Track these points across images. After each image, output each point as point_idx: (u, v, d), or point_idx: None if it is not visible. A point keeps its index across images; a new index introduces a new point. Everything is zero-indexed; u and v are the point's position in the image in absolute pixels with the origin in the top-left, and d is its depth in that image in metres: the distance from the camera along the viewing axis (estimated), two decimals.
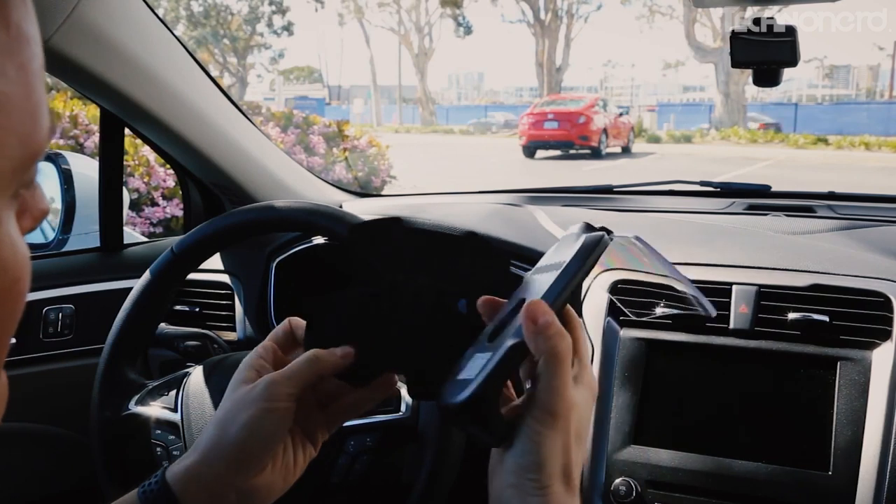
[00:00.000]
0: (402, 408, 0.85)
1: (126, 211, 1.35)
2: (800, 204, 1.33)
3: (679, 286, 0.50)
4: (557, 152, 15.45)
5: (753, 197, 1.40)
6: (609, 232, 0.48)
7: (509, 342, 0.43)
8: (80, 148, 4.27)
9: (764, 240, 1.10)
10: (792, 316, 0.93)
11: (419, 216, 1.23)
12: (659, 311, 0.98)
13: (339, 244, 0.93)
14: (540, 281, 0.47)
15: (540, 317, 0.42)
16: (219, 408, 0.52)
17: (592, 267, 0.47)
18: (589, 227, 0.49)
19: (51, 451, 1.23)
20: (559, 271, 0.46)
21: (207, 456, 0.50)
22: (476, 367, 0.44)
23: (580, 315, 0.48)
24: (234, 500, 0.50)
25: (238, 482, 0.50)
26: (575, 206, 1.39)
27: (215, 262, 1.28)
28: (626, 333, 0.99)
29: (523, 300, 0.45)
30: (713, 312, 0.51)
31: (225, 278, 1.27)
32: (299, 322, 0.57)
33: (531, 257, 1.12)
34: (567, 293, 0.45)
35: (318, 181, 1.47)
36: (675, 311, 0.98)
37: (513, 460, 0.42)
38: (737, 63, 0.94)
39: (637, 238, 0.49)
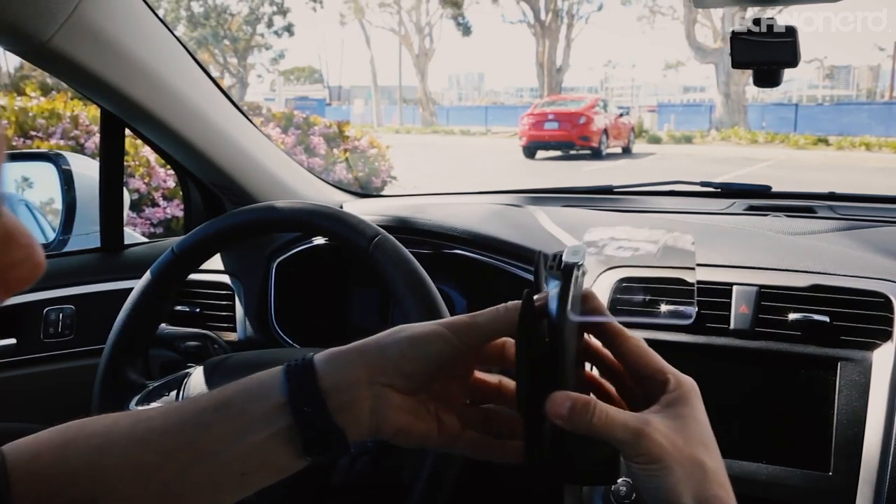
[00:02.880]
0: None
1: (126, 211, 1.35)
2: (800, 204, 1.33)
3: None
4: (558, 153, 15.45)
5: (754, 197, 1.40)
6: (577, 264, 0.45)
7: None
8: (80, 148, 4.28)
9: (764, 240, 1.10)
10: (792, 316, 0.93)
11: (419, 216, 1.23)
12: (663, 308, 0.98)
13: (340, 243, 0.93)
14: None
15: (560, 409, 0.42)
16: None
17: (573, 300, 0.44)
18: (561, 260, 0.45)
19: None
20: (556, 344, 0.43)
21: (363, 349, 0.49)
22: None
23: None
24: (366, 404, 0.47)
25: (376, 388, 0.47)
26: (575, 207, 1.39)
27: (216, 262, 1.28)
28: None
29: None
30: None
31: (225, 279, 1.27)
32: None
33: (531, 258, 1.12)
34: (569, 353, 0.44)
35: (319, 181, 1.47)
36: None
37: (646, 496, 0.43)
38: (737, 64, 0.94)
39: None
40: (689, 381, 0.46)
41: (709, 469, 0.42)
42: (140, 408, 0.50)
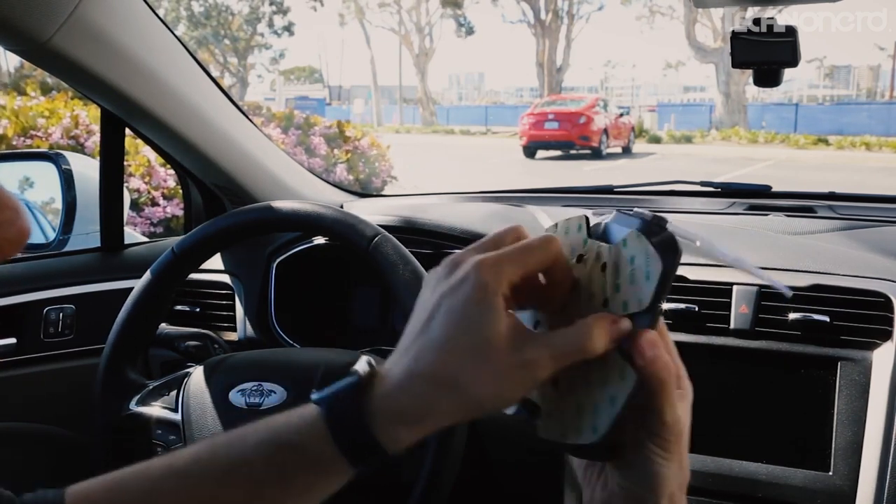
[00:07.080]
0: None
1: (126, 211, 1.35)
2: (800, 204, 1.33)
3: (748, 273, 0.46)
4: (558, 153, 15.45)
5: (754, 197, 1.40)
6: (662, 227, 0.42)
7: (630, 381, 0.40)
8: (80, 148, 4.27)
9: (764, 240, 1.10)
10: (792, 316, 0.93)
11: (419, 216, 1.23)
12: (665, 306, 0.98)
13: (341, 244, 0.93)
14: (626, 290, 0.41)
15: (649, 350, 0.40)
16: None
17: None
18: (644, 221, 0.42)
19: (51, 451, 1.23)
20: (647, 281, 0.40)
21: (438, 391, 0.40)
22: (590, 399, 0.41)
23: None
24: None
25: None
26: (576, 207, 1.38)
27: (216, 262, 1.28)
28: None
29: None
30: (788, 293, 0.48)
31: (225, 278, 1.27)
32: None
33: None
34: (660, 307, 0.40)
35: (319, 181, 1.47)
36: (681, 307, 0.98)
37: (628, 482, 0.42)
38: (737, 63, 0.94)
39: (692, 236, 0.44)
40: (687, 384, 0.46)
41: (685, 470, 0.42)
42: (183, 454, 0.46)
